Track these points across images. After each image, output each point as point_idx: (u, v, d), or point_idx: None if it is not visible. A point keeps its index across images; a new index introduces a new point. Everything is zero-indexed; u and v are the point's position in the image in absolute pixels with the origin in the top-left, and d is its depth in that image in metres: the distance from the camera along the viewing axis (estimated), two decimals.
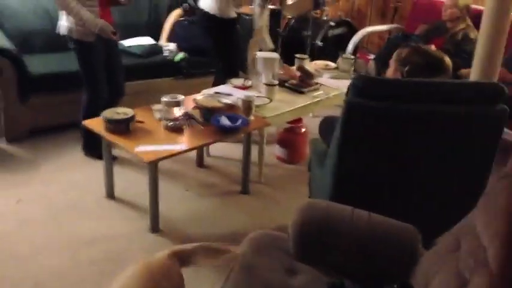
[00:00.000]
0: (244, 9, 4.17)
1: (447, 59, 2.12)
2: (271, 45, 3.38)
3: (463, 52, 3.61)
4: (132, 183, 3.03)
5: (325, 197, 2.02)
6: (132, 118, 2.60)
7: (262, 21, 3.29)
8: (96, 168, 3.09)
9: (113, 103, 3.03)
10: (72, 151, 3.33)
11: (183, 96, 2.70)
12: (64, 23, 2.91)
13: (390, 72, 2.15)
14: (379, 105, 1.85)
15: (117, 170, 2.98)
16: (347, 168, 2.01)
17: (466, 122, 1.90)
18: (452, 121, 1.90)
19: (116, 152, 3.05)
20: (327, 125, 2.52)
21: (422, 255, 1.60)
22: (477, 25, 3.67)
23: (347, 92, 1.92)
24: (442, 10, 3.78)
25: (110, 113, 2.60)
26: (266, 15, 3.30)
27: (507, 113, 1.84)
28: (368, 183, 2.03)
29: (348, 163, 2.00)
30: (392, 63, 2.15)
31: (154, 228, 2.59)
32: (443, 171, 1.99)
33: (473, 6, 3.87)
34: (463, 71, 3.40)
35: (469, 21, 3.72)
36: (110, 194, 2.86)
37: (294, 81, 3.27)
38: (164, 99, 2.64)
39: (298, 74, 3.31)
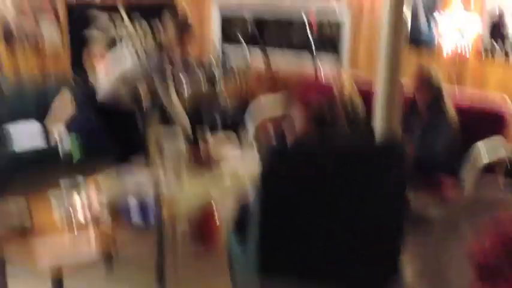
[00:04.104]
0: None
1: None
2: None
3: None
4: None
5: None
6: None
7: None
8: None
9: None
10: None
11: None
12: None
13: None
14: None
15: None
16: (271, 235, 1.97)
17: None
18: (364, 176, 2.02)
19: None
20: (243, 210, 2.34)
21: None
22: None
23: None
24: None
25: None
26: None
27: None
28: (294, 247, 1.99)
29: (271, 227, 1.96)
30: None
31: None
32: (362, 224, 2.03)
33: None
34: None
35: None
36: None
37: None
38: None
39: None
